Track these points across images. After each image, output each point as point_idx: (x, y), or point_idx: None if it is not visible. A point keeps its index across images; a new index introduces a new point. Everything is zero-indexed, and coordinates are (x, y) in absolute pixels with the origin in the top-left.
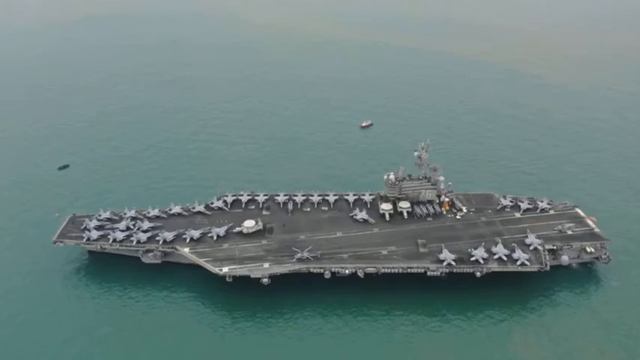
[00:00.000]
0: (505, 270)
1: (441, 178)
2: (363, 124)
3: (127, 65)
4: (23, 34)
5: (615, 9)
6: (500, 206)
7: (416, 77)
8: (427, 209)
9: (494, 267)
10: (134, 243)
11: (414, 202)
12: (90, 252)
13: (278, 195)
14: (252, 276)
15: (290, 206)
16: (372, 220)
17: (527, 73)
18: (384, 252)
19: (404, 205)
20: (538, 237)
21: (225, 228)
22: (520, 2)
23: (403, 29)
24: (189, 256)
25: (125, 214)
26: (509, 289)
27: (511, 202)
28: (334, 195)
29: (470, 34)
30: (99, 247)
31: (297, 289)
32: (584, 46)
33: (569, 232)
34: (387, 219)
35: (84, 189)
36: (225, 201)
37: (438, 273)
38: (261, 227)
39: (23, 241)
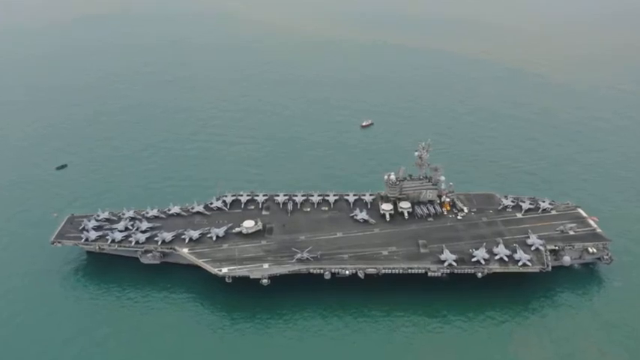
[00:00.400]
0: (506, 271)
1: (442, 178)
2: (364, 124)
3: (126, 65)
4: (23, 34)
5: (615, 9)
6: (501, 206)
7: (416, 77)
8: (428, 209)
9: (496, 267)
10: (133, 243)
11: (415, 203)
12: (88, 252)
13: (278, 195)
14: (251, 277)
15: (290, 206)
16: (372, 221)
17: (527, 72)
18: (385, 252)
19: (404, 205)
20: (540, 237)
21: (224, 228)
22: (520, 2)
23: (403, 28)
24: (188, 256)
25: (124, 214)
26: (510, 289)
27: (512, 202)
28: (334, 195)
29: (470, 33)
30: (97, 247)
31: (297, 290)
32: (585, 45)
33: (571, 233)
34: (388, 219)
35: (82, 189)
36: (224, 201)
37: (439, 273)
38: (260, 227)
39: (21, 242)
